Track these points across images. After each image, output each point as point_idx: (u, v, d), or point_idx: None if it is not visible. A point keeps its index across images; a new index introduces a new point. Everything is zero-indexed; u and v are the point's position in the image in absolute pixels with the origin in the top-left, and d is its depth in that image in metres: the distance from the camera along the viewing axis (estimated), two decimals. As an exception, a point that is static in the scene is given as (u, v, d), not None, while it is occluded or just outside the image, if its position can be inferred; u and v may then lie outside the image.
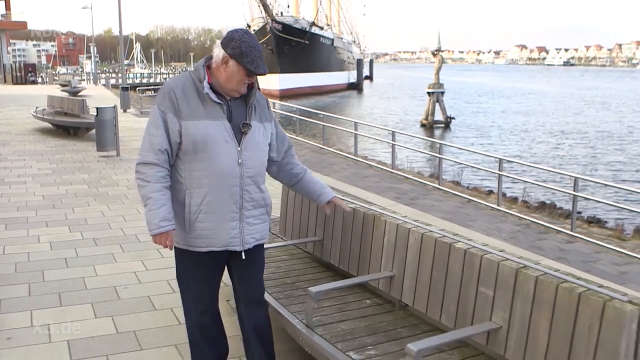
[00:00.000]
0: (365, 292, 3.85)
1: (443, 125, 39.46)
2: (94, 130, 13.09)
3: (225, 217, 3.08)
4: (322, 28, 79.03)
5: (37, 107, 17.38)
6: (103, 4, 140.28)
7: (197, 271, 3.18)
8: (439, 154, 11.89)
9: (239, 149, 3.05)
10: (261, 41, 65.67)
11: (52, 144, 14.22)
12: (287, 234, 4.97)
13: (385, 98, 68.82)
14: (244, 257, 3.18)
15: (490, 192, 13.30)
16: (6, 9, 58.03)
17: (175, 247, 3.17)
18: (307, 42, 68.93)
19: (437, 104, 39.74)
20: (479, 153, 14.08)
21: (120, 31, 27.70)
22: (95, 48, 63.31)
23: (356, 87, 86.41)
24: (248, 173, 3.10)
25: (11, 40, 72.82)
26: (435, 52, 42.45)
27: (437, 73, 39.86)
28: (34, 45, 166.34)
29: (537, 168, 12.69)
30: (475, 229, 8.70)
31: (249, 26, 70.67)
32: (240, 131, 3.08)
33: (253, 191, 3.15)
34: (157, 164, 3.02)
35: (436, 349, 2.79)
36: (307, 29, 70.12)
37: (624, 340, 2.29)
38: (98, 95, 25.73)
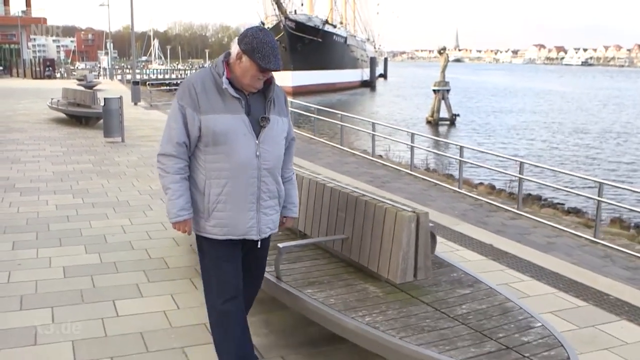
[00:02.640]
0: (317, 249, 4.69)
1: (448, 122, 40.29)
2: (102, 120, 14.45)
3: (243, 207, 3.21)
4: (335, 26, 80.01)
5: (52, 99, 18.81)
6: (122, 1, 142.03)
7: (218, 258, 3.30)
8: (411, 142, 13.09)
9: (257, 142, 3.17)
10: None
11: (65, 132, 15.64)
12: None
13: (396, 96, 69.76)
14: (259, 245, 3.37)
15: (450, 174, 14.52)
16: (26, 5, 59.89)
17: (196, 236, 3.37)
18: (320, 39, 69.89)
19: (442, 102, 40.51)
20: (446, 142, 15.26)
21: (132, 27, 29.23)
22: (112, 44, 65.04)
23: (369, 84, 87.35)
24: (265, 165, 3.22)
25: (31, 36, 74.69)
26: (441, 51, 43.13)
27: (443, 71, 40.42)
28: (54, 41, 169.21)
29: (489, 154, 13.91)
30: (432, 207, 9.89)
31: (262, 24, 72.07)
32: (258, 125, 3.19)
33: (270, 182, 3.28)
34: (175, 156, 3.18)
35: (298, 247, 4.03)
36: (320, 27, 71.14)
37: (405, 234, 3.56)
38: (112, 90, 27.23)
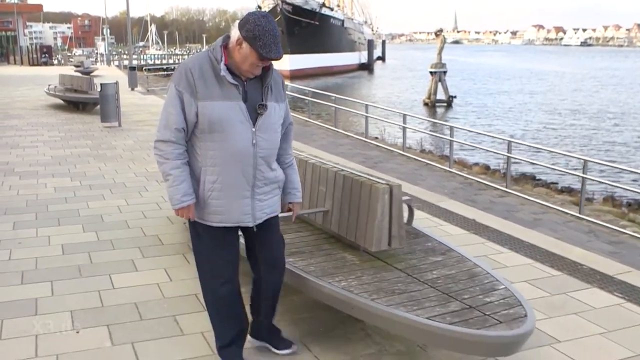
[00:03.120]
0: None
1: (445, 104, 40.45)
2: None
3: (237, 194, 3.20)
4: (332, 9, 79.81)
5: (49, 85, 18.99)
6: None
7: (214, 243, 3.31)
8: (403, 123, 13.31)
9: (253, 129, 3.14)
10: (271, 22, 67.54)
11: (62, 117, 15.85)
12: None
13: (394, 78, 69.77)
14: (255, 230, 3.36)
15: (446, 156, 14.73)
16: (22, -8, 59.72)
17: (190, 221, 3.35)
18: (317, 23, 69.79)
19: (439, 84, 40.62)
20: (436, 122, 15.49)
21: (128, 12, 29.31)
22: (108, 30, 64.91)
23: (367, 67, 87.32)
24: (261, 153, 3.19)
25: (28, 23, 74.51)
26: (438, 33, 43.31)
27: (440, 53, 40.42)
28: (50, 27, 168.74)
29: (478, 133, 14.13)
30: (422, 186, 10.12)
31: (259, 7, 71.89)
32: (255, 112, 3.15)
33: (265, 170, 3.25)
34: (174, 142, 3.14)
35: (282, 221, 4.25)
36: (318, 10, 71.01)
37: (380, 205, 3.81)
38: (109, 75, 27.39)
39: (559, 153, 11.26)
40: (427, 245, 4.22)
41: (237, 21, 3.08)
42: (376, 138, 16.55)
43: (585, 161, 9.27)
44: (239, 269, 3.44)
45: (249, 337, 3.66)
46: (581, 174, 9.14)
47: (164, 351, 3.78)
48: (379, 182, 3.90)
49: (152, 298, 4.58)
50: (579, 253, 5.99)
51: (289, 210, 3.60)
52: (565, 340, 4.09)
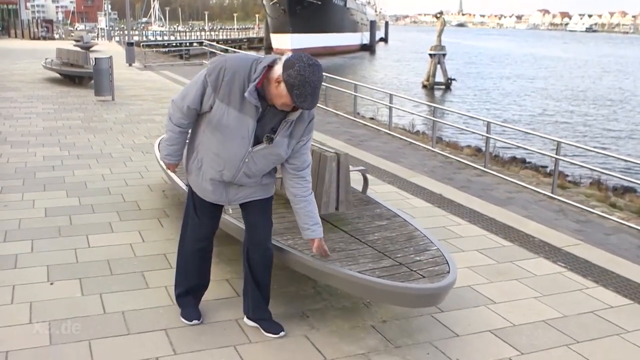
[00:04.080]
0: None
1: (444, 86, 40.60)
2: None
3: (216, 185, 3.48)
4: (335, -11, 79.54)
5: (46, 59, 19.25)
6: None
7: (201, 205, 3.63)
8: (390, 103, 13.62)
9: (250, 149, 3.27)
10: (274, 1, 67.31)
11: (58, 91, 16.15)
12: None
13: (396, 60, 69.79)
14: (230, 211, 3.82)
15: (438, 138, 15.05)
16: (25, -34, 59.50)
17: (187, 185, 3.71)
18: (319, 2, 69.57)
19: (438, 66, 40.72)
20: (421, 102, 15.77)
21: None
22: (109, 5, 64.88)
23: (369, 48, 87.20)
24: (246, 171, 3.38)
25: (30, -4, 74.24)
26: (438, 15, 43.25)
27: (440, 35, 40.42)
28: (53, 2, 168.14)
29: (459, 114, 14.44)
30: (403, 164, 10.44)
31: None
32: (261, 136, 3.26)
33: (244, 181, 3.47)
34: (183, 112, 3.38)
35: None
36: (320, -10, 70.80)
37: (327, 172, 4.16)
38: (108, 51, 27.49)
39: (534, 134, 11.60)
40: (376, 212, 4.56)
41: (285, 57, 3.10)
42: (371, 119, 16.86)
43: (559, 142, 9.59)
44: (215, 232, 3.82)
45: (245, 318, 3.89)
46: (554, 155, 9.46)
47: (128, 301, 4.15)
48: (328, 151, 4.24)
49: (123, 256, 4.94)
50: (534, 227, 6.35)
51: (317, 249, 3.62)
52: (500, 302, 4.45)
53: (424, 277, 3.46)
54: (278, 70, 3.08)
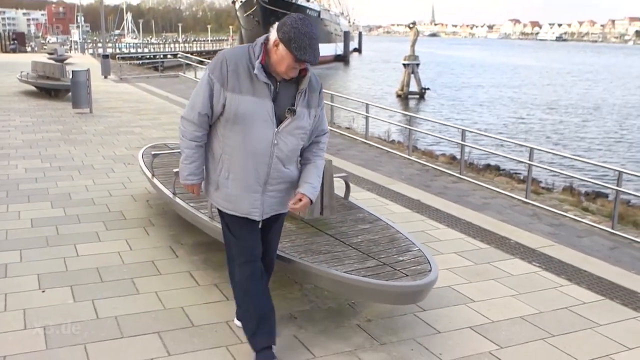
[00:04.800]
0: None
1: (418, 96, 41.06)
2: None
3: (249, 189, 3.27)
4: (308, 0, 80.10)
5: (22, 72, 19.16)
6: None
7: (233, 228, 3.43)
8: (366, 112, 13.85)
9: (276, 130, 3.18)
10: (247, 13, 67.55)
11: (34, 104, 16.11)
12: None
13: (370, 70, 70.35)
14: (260, 225, 3.43)
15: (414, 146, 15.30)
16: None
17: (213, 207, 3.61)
18: (293, 13, 69.96)
19: (412, 76, 41.17)
20: (396, 111, 16.05)
21: (101, 0, 29.39)
22: (82, 18, 64.55)
23: (343, 59, 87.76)
24: (278, 154, 3.23)
25: (1, 9, 73.54)
26: (411, 25, 43.80)
27: (413, 45, 40.96)
28: (24, 14, 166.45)
29: (433, 122, 14.72)
30: (381, 172, 10.64)
31: (235, -2, 71.95)
32: (283, 113, 3.18)
33: (280, 170, 3.29)
34: (195, 124, 3.26)
35: None
36: (294, 1, 71.19)
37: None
38: (82, 63, 27.49)
39: (508, 141, 11.91)
40: (359, 216, 4.74)
41: (277, 23, 3.12)
42: (347, 128, 17.08)
43: (532, 149, 9.89)
44: (261, 253, 3.50)
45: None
46: (527, 161, 9.74)
47: (120, 307, 4.25)
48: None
49: (112, 264, 5.04)
50: (508, 229, 6.57)
51: (297, 202, 3.36)
52: (479, 300, 4.64)
53: (407, 275, 3.64)
54: (273, 35, 3.11)
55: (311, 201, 3.38)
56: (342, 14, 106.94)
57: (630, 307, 4.65)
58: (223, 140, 3.25)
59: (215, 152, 3.33)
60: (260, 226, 3.43)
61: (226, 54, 3.21)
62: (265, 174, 3.26)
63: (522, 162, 10.47)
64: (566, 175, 10.58)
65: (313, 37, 3.05)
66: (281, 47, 3.06)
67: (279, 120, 3.19)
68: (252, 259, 3.44)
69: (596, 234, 8.12)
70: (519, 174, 16.09)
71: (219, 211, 3.48)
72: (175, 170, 5.24)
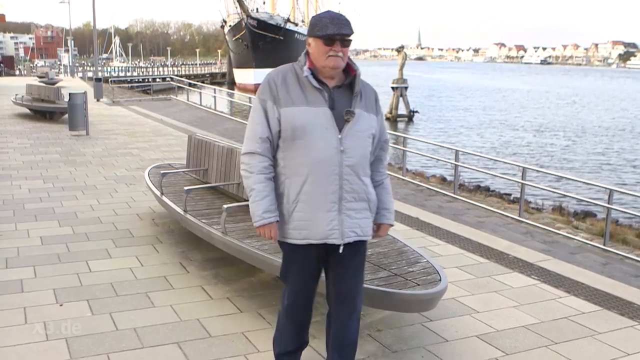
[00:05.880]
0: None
1: (407, 118, 41.48)
2: (67, 115, 15.06)
3: (323, 207, 3.01)
4: (297, 24, 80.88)
5: (16, 95, 19.29)
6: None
7: (295, 264, 3.20)
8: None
9: (339, 136, 2.99)
10: (236, 37, 68.05)
11: (30, 126, 16.23)
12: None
13: (358, 93, 70.79)
14: (341, 251, 3.10)
15: (409, 169, 15.57)
16: (-16, 2, 59.16)
17: (278, 241, 3.18)
18: (282, 37, 70.59)
19: (400, 99, 41.62)
20: (390, 133, 16.30)
21: (94, 24, 29.64)
22: (72, 41, 64.80)
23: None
24: (348, 162, 3.01)
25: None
26: (399, 49, 44.33)
27: (401, 69, 41.43)
28: (12, 38, 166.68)
29: (427, 142, 14.99)
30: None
31: (224, 22, 72.57)
32: (342, 119, 3.02)
33: (353, 181, 3.05)
34: (259, 153, 3.06)
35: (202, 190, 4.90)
36: (282, 25, 71.89)
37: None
38: (74, 86, 27.67)
39: (499, 160, 12.21)
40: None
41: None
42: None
43: (524, 168, 10.13)
44: (315, 291, 3.38)
45: None
46: (520, 180, 9.99)
47: (138, 319, 4.39)
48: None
49: (125, 279, 5.17)
50: (506, 245, 6.78)
51: (375, 231, 3.34)
52: (483, 311, 4.82)
53: (418, 284, 3.81)
54: (308, 40, 3.10)
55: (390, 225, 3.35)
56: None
57: (627, 316, 4.85)
58: (284, 164, 3.08)
59: (277, 182, 3.12)
60: (341, 251, 3.11)
61: (271, 73, 3.16)
62: (338, 186, 3.02)
63: (515, 181, 10.71)
64: (559, 194, 10.81)
65: (335, 16, 3.03)
66: (311, 39, 3.06)
67: (340, 126, 3.03)
68: (305, 302, 3.35)
69: (588, 251, 8.33)
70: (509, 194, 16.40)
71: (283, 252, 3.26)
72: (186, 188, 5.45)
